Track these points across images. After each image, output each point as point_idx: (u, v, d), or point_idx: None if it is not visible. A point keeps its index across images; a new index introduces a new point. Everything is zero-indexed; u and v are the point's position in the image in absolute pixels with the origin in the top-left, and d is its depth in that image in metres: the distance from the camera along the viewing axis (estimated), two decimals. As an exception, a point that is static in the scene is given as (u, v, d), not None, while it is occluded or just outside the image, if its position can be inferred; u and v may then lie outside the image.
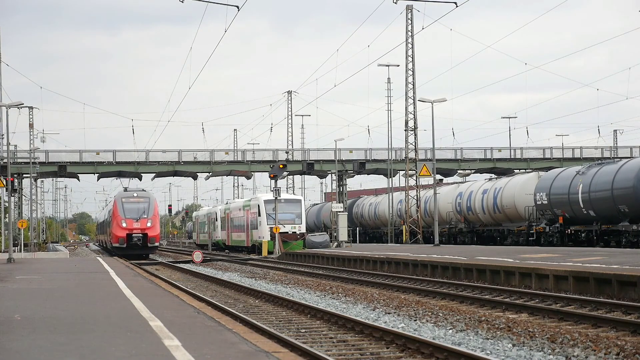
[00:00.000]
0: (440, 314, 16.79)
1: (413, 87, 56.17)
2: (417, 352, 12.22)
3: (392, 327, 14.45)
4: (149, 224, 52.70)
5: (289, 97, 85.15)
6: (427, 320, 15.98)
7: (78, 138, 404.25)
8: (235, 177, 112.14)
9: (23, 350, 10.15)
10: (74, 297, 18.25)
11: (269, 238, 53.62)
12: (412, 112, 56.35)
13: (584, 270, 20.55)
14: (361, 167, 70.57)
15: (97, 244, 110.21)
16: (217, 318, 13.44)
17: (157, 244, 54.40)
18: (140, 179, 73.10)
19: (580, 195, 39.61)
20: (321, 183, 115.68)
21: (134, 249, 52.66)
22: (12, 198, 49.98)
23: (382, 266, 33.42)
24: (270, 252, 52.22)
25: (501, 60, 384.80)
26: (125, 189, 56.13)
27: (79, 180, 77.86)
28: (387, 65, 61.32)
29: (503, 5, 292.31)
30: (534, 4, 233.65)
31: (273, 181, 53.26)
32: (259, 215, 56.02)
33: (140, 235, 52.47)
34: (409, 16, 55.13)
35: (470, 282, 24.47)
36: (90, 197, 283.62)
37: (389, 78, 65.30)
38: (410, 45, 55.54)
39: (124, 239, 52.33)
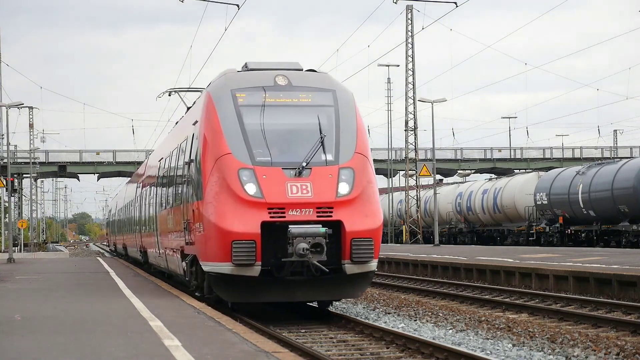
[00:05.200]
0: (440, 314, 16.79)
1: (413, 87, 56.20)
2: (417, 352, 12.22)
3: (392, 327, 14.44)
4: (343, 189, 14.10)
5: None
6: (427, 320, 15.97)
7: (78, 138, 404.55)
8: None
9: (23, 350, 10.15)
10: (74, 297, 18.23)
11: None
12: (412, 112, 56.39)
13: (584, 270, 20.55)
14: (361, 167, 70.45)
15: (111, 249, 61.13)
16: (217, 318, 13.42)
17: (375, 261, 14.39)
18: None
19: (580, 195, 39.63)
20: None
21: (295, 284, 14.16)
22: (12, 198, 50.02)
23: (382, 266, 33.40)
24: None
25: (501, 60, 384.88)
26: (246, 65, 16.25)
27: (79, 180, 78.07)
28: (387, 65, 61.40)
29: (503, 5, 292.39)
30: (535, 4, 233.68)
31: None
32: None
33: (319, 226, 13.66)
34: (409, 16, 55.16)
35: (471, 282, 24.46)
36: (90, 197, 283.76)
37: (389, 78, 65.52)
38: (410, 45, 55.57)
39: (252, 246, 13.61)
